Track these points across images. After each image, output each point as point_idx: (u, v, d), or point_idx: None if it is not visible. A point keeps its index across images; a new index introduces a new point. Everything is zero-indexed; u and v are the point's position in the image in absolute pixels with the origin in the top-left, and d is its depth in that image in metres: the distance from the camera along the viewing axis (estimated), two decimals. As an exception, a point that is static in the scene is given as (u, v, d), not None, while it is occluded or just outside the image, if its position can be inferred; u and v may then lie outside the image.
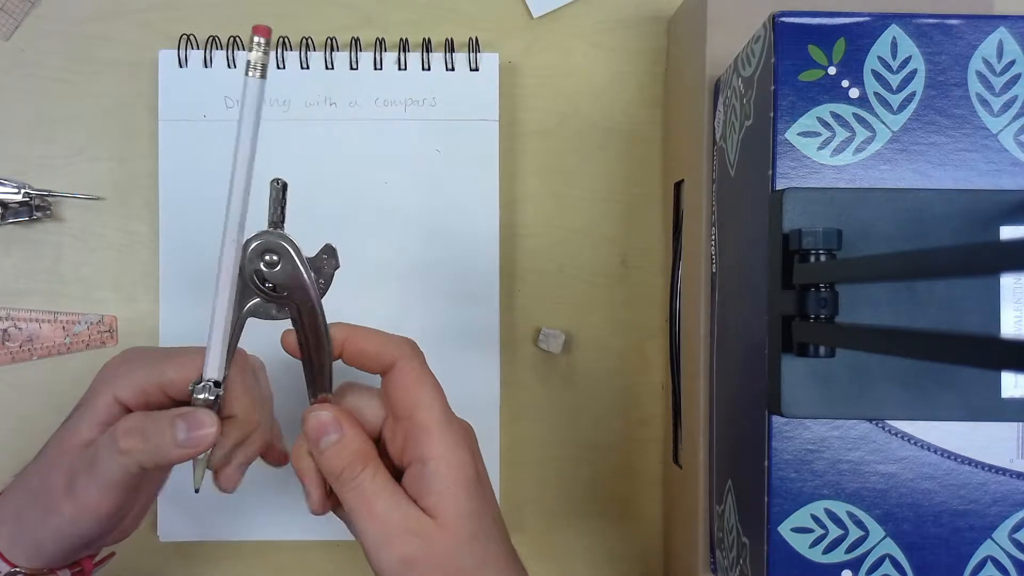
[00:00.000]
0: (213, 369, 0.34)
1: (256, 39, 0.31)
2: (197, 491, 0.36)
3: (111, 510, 0.35)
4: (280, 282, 0.34)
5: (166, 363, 0.36)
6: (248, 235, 0.34)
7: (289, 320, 0.35)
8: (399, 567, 0.33)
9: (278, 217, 0.34)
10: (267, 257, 0.34)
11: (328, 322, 0.35)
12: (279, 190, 0.34)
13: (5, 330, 0.50)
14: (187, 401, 0.36)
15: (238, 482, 0.37)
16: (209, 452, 0.36)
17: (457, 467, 0.34)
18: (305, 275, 0.34)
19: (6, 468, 0.50)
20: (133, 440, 0.34)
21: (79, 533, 0.35)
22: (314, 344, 0.35)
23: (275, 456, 0.40)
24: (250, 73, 0.32)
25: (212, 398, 0.35)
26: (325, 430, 0.34)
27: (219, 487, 0.37)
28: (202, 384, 0.35)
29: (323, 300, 0.35)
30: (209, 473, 0.37)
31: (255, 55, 0.32)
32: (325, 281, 0.35)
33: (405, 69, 0.50)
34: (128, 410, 0.36)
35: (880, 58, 0.34)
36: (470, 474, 0.34)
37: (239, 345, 0.36)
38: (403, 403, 0.35)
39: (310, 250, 0.35)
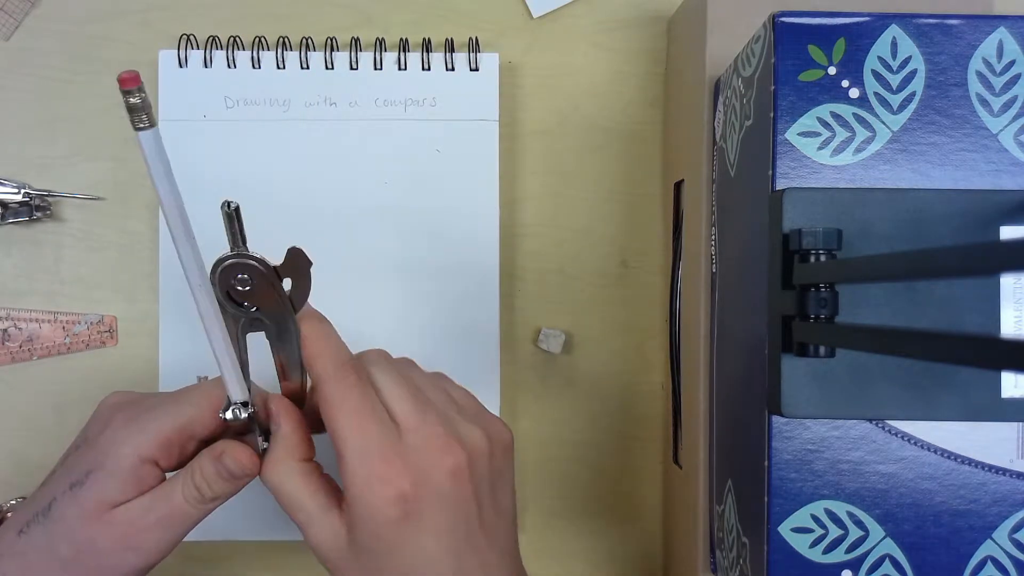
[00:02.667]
0: (236, 392, 0.34)
1: (126, 91, 0.28)
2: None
3: (168, 553, 0.36)
4: (255, 301, 0.34)
5: (183, 404, 0.36)
6: (216, 258, 0.33)
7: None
8: (318, 558, 0.34)
9: (237, 238, 0.33)
10: (238, 277, 0.33)
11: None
12: (231, 213, 0.33)
13: (5, 330, 0.50)
14: (214, 436, 0.37)
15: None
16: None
17: (368, 508, 0.33)
18: (275, 288, 0.34)
19: (6, 468, 0.50)
20: (206, 489, 0.35)
21: None
22: (287, 357, 0.36)
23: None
24: (138, 126, 0.28)
25: (244, 417, 0.35)
26: (248, 427, 0.35)
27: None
28: (230, 408, 0.35)
29: (316, 302, 0.35)
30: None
31: (134, 104, 0.28)
32: (304, 281, 0.34)
33: (405, 69, 0.50)
34: (157, 465, 0.36)
35: (880, 58, 0.34)
36: (383, 517, 0.33)
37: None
38: (328, 431, 0.35)
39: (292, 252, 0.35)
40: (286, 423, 0.35)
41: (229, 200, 0.32)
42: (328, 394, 0.34)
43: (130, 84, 0.27)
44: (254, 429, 0.36)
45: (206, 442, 0.37)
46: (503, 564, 0.35)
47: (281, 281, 0.34)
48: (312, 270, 0.34)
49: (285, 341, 0.35)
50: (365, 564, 0.33)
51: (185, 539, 0.49)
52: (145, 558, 0.35)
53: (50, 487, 0.36)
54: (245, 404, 0.35)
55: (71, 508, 0.34)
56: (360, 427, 0.33)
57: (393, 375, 0.35)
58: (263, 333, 0.35)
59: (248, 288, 0.34)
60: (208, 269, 0.33)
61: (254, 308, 0.34)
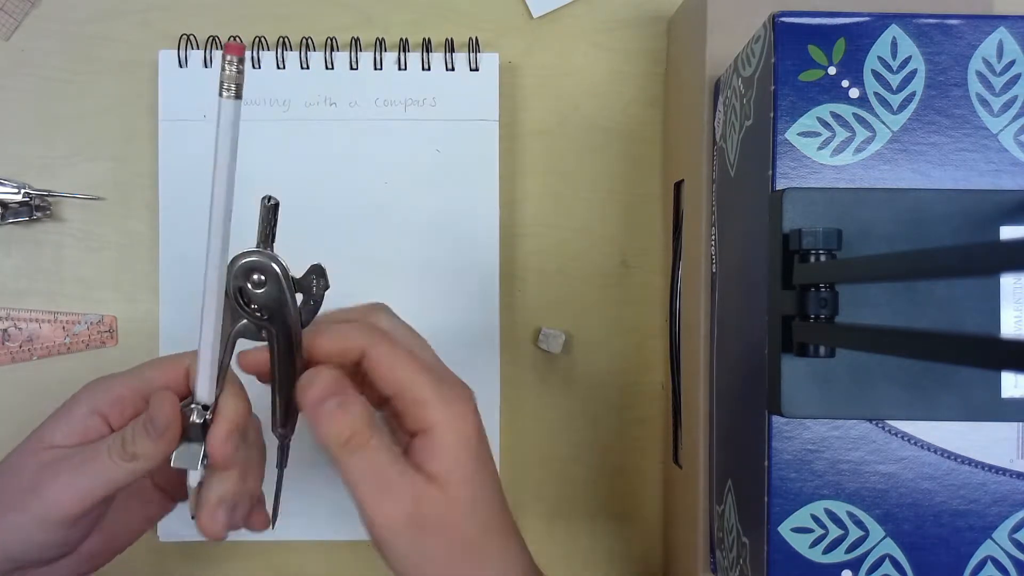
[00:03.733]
0: (203, 392, 0.33)
1: (228, 57, 0.29)
2: (193, 517, 0.35)
3: (79, 513, 0.34)
4: (263, 304, 0.33)
5: (146, 368, 0.36)
6: (238, 251, 0.32)
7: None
8: (406, 529, 0.33)
9: (268, 236, 0.33)
10: (254, 277, 0.33)
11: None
12: (270, 208, 0.32)
13: (5, 330, 0.50)
14: None
15: (223, 525, 0.35)
16: (199, 479, 0.34)
17: (459, 432, 0.34)
18: (289, 300, 0.33)
19: (6, 468, 0.50)
20: (129, 441, 0.33)
21: (41, 540, 0.34)
22: (284, 373, 0.34)
23: (259, 521, 0.38)
24: (224, 94, 0.29)
25: (200, 421, 0.33)
26: (329, 392, 0.33)
27: (202, 529, 0.35)
28: (192, 407, 0.33)
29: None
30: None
31: (229, 73, 0.29)
32: (315, 303, 0.34)
33: (405, 69, 0.50)
34: (107, 421, 0.35)
35: (880, 58, 0.34)
36: (472, 438, 0.34)
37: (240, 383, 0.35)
38: (389, 387, 0.34)
39: (303, 262, 0.33)
40: (353, 393, 0.34)
41: (271, 195, 0.32)
42: (385, 352, 0.34)
43: (235, 52, 0.29)
44: (200, 439, 0.34)
45: None
46: None
47: (295, 293, 0.33)
48: (327, 293, 0.33)
49: (284, 357, 0.34)
50: (461, 507, 0.34)
51: (186, 539, 0.49)
52: (45, 508, 0.33)
53: None
54: (206, 408, 0.33)
55: (23, 445, 0.35)
56: (426, 367, 0.34)
57: (404, 326, 0.36)
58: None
59: (261, 291, 0.33)
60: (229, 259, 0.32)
61: (259, 313, 0.33)
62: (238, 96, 0.29)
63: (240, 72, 0.29)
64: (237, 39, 0.50)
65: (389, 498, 0.33)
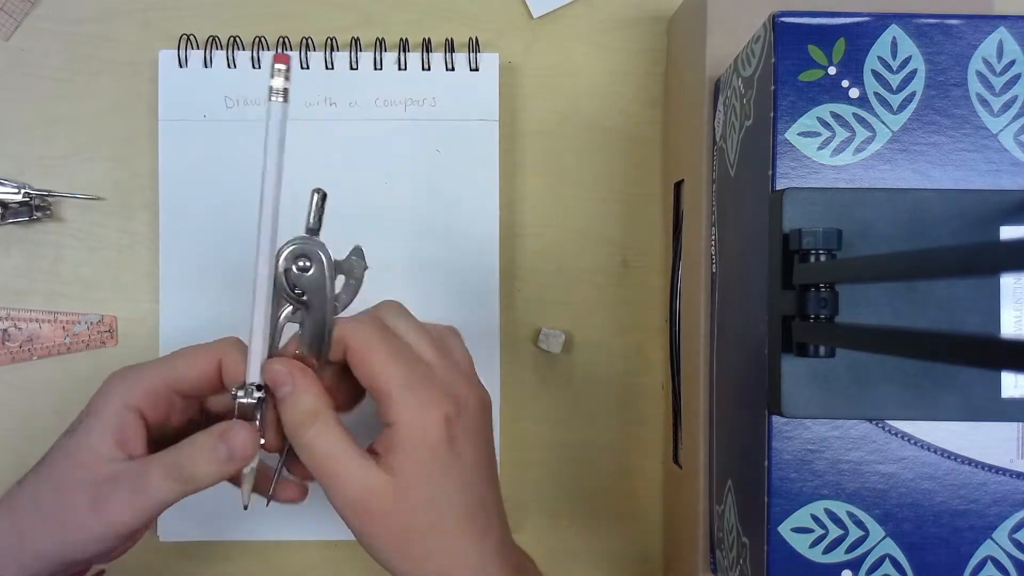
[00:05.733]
0: (255, 373, 0.35)
1: (277, 67, 0.33)
2: (246, 507, 0.36)
3: (141, 529, 0.35)
4: (305, 287, 0.35)
5: (175, 360, 0.36)
6: (286, 238, 0.35)
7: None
8: (355, 510, 0.34)
9: (315, 224, 0.35)
10: (300, 262, 0.35)
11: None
12: (319, 200, 0.35)
13: (5, 330, 0.50)
14: (197, 397, 0.37)
15: (304, 490, 0.38)
16: (254, 466, 0.36)
17: (420, 431, 0.34)
18: (328, 287, 0.35)
19: (6, 468, 0.50)
20: (187, 469, 0.34)
21: (98, 550, 0.34)
22: (313, 355, 0.36)
23: (295, 491, 0.39)
24: (273, 98, 0.33)
25: (254, 401, 0.35)
26: (279, 381, 0.34)
27: (285, 499, 0.38)
28: (245, 388, 0.35)
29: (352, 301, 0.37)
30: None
31: (277, 81, 0.33)
32: (356, 283, 0.36)
33: (405, 69, 0.50)
34: (142, 416, 0.35)
35: (880, 58, 0.34)
36: (436, 441, 0.34)
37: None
38: (363, 380, 0.35)
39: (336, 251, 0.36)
40: (303, 378, 0.35)
41: (320, 188, 0.35)
42: (361, 344, 0.35)
43: (283, 61, 0.33)
44: (256, 419, 0.35)
45: (190, 401, 0.37)
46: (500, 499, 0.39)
47: (335, 277, 0.36)
48: (366, 274, 0.36)
49: (314, 339, 0.36)
50: (411, 500, 0.34)
51: (186, 539, 0.49)
52: (107, 527, 0.34)
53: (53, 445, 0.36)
54: (260, 387, 0.35)
55: (59, 452, 0.35)
56: (402, 363, 0.35)
57: (412, 323, 0.37)
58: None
59: (306, 275, 0.35)
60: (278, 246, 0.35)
61: (303, 297, 0.35)
62: (286, 99, 0.34)
63: (288, 79, 0.33)
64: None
65: (340, 480, 0.34)
